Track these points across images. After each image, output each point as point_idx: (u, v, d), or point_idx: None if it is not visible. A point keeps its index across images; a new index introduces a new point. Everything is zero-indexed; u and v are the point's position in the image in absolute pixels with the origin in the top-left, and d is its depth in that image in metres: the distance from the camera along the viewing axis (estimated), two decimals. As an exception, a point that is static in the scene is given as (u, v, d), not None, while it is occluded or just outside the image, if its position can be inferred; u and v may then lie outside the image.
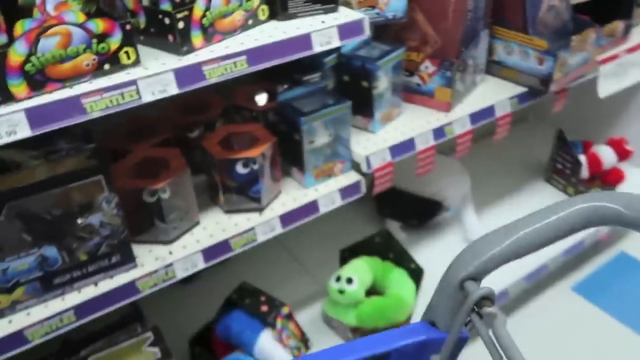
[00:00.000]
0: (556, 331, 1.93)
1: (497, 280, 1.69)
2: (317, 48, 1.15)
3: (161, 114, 1.46)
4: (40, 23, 0.88)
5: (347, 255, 1.71)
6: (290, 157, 1.41)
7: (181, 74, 1.01)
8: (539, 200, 2.19)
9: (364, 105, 1.46)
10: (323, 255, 1.88)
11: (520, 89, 1.67)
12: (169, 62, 1.02)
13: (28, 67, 0.89)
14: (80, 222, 1.05)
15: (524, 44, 1.61)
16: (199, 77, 1.03)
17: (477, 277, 0.59)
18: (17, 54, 0.87)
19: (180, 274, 1.20)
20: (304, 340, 1.51)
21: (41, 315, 1.06)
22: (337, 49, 1.45)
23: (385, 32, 1.55)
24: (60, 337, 1.14)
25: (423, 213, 1.99)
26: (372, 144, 1.45)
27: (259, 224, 1.29)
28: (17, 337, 1.04)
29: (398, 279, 1.68)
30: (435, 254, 1.92)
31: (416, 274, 1.67)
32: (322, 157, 1.40)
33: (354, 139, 1.44)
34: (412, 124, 1.52)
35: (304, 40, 1.13)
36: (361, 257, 1.68)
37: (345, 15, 1.20)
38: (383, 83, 1.46)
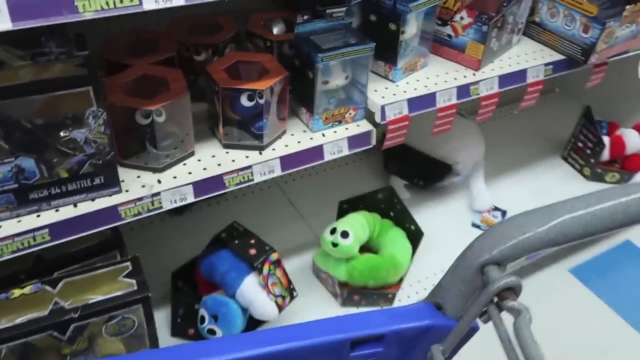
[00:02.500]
0: (545, 310, 1.87)
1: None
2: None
3: (168, 30, 1.34)
4: None
5: (347, 207, 1.63)
6: (300, 97, 1.30)
7: (190, -16, 0.89)
8: (553, 177, 2.09)
9: (388, 51, 1.34)
10: (321, 205, 1.80)
11: (558, 57, 1.55)
12: (178, -32, 0.90)
13: (15, -51, 0.77)
14: (63, 135, 0.96)
15: (572, 7, 1.47)
16: (210, -10, 0.91)
17: (501, 263, 0.50)
18: None
19: (167, 205, 1.12)
20: (290, 289, 1.44)
21: (13, 230, 0.98)
22: (368, -16, 1.32)
23: (423, -28, 1.41)
24: (33, 254, 1.07)
25: (431, 174, 1.90)
26: (390, 94, 1.34)
27: (258, 162, 1.20)
28: (-15, 250, 0.97)
29: (395, 239, 1.60)
30: (438, 219, 1.84)
31: (415, 236, 1.60)
32: (334, 100, 1.29)
33: (371, 85, 1.33)
34: (437, 78, 1.41)
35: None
36: (360, 211, 1.60)
37: (383, -57, 1.07)
38: (412, 28, 1.33)
